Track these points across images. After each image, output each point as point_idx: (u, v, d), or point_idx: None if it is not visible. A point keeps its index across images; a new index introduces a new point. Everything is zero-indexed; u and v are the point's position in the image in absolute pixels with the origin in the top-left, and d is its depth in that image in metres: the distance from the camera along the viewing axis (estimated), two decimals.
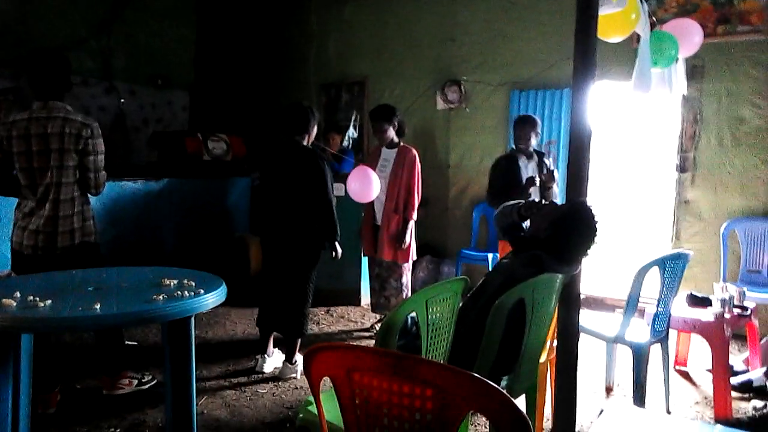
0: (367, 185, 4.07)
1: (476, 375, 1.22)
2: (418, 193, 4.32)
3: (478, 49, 5.88)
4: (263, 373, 3.69)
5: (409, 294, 4.43)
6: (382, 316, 4.55)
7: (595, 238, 2.34)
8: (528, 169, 4.38)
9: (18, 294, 2.07)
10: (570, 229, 2.32)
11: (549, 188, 4.23)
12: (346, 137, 6.53)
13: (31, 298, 2.04)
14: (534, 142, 4.37)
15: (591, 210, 2.32)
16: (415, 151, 4.34)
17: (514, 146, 4.52)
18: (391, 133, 4.29)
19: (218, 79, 7.26)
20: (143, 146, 6.37)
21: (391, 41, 6.40)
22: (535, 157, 4.40)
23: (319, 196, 3.56)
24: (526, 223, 2.63)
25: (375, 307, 4.53)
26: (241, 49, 7.32)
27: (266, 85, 7.34)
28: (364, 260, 4.96)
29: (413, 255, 4.41)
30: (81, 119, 3.01)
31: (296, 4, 7.02)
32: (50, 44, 5.48)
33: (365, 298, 5.21)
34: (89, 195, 3.15)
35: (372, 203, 4.38)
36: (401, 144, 4.36)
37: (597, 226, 2.34)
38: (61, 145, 2.94)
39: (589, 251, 2.34)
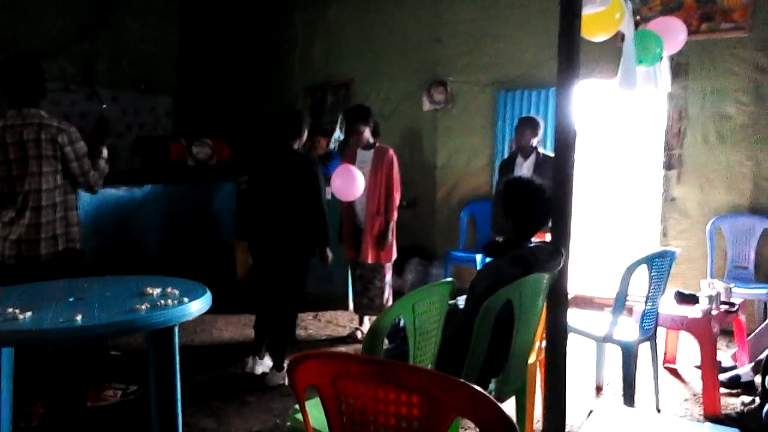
0: (351, 182, 4.05)
1: (462, 380, 1.21)
2: (397, 192, 4.32)
3: (463, 50, 5.88)
4: (254, 373, 3.66)
5: (391, 292, 4.44)
6: (359, 327, 4.53)
7: (541, 192, 2.45)
8: (523, 167, 4.64)
9: None
10: (518, 200, 2.45)
11: None
12: (332, 140, 6.49)
13: (11, 310, 1.99)
14: (533, 140, 4.67)
15: (521, 179, 2.55)
16: (392, 151, 4.32)
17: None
18: (368, 134, 4.26)
19: (202, 83, 7.21)
20: (126, 152, 6.30)
21: (377, 43, 6.38)
22: (534, 155, 4.65)
23: (311, 201, 3.54)
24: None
25: (358, 307, 4.50)
26: (225, 53, 7.27)
27: (251, 89, 7.30)
28: None
29: (394, 254, 4.41)
30: (56, 124, 2.96)
31: (280, 6, 6.99)
32: (31, 50, 5.41)
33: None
34: (77, 198, 3.12)
35: (352, 205, 4.36)
36: (377, 144, 4.34)
37: (535, 184, 2.49)
38: (38, 151, 2.90)
39: (546, 208, 2.43)
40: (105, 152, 3.27)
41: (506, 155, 5.58)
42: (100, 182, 3.17)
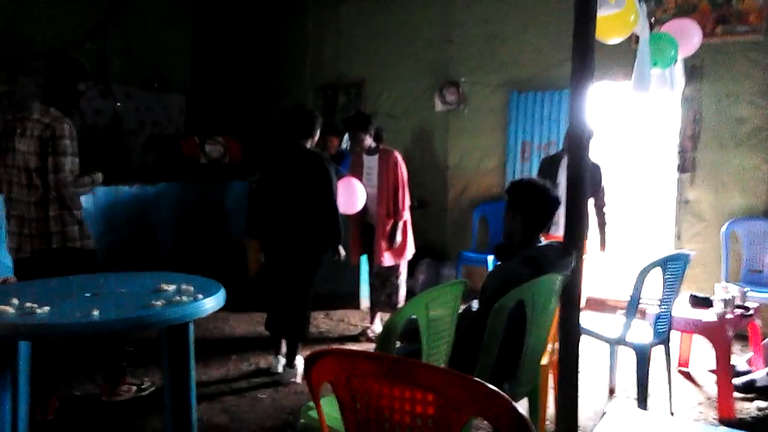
0: (351, 196, 4.12)
1: (477, 379, 1.21)
2: (405, 191, 4.34)
3: (476, 50, 5.87)
4: (278, 372, 3.69)
5: (404, 288, 4.49)
6: (370, 325, 4.55)
7: (546, 191, 2.53)
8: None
9: (16, 300, 2.05)
10: (525, 197, 2.51)
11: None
12: (344, 139, 6.51)
13: (29, 304, 2.02)
14: None
15: (528, 180, 2.63)
16: (396, 152, 4.36)
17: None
18: (369, 140, 4.29)
19: (215, 82, 7.25)
20: (139, 150, 6.35)
21: (389, 43, 6.39)
22: None
23: (324, 200, 3.56)
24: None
25: (375, 304, 4.54)
26: (238, 52, 7.31)
27: (263, 88, 7.33)
28: (363, 264, 4.95)
29: (412, 249, 4.47)
30: (48, 121, 2.93)
31: (293, 5, 7.01)
32: (45, 49, 5.47)
33: (364, 301, 5.20)
34: (65, 198, 2.99)
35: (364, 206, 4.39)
36: (381, 147, 4.37)
37: (540, 183, 2.57)
38: (27, 147, 2.93)
39: (551, 205, 2.52)
40: (100, 177, 3.17)
41: (519, 157, 5.57)
42: (73, 190, 2.98)
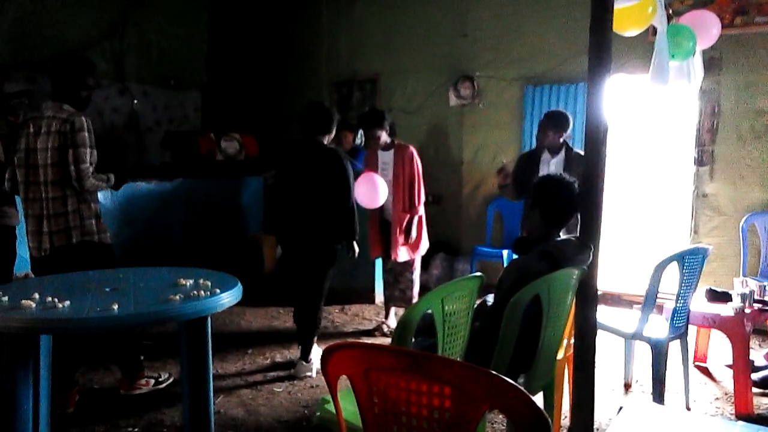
0: (373, 191, 4.11)
1: (494, 372, 1.21)
2: (420, 187, 4.34)
3: (490, 44, 5.84)
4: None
5: (418, 283, 4.50)
6: (385, 320, 4.56)
7: (571, 189, 2.51)
8: (550, 164, 4.32)
9: (37, 295, 2.09)
10: (549, 195, 2.52)
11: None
12: (359, 135, 6.52)
13: (50, 299, 2.06)
14: (559, 137, 4.25)
15: (555, 176, 2.64)
16: (412, 148, 4.35)
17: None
18: (384, 136, 4.29)
19: (230, 79, 7.30)
20: (156, 147, 6.41)
21: (403, 38, 6.38)
22: (563, 153, 4.26)
23: (341, 196, 3.57)
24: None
25: (390, 299, 4.54)
26: (253, 49, 7.35)
27: (278, 84, 7.36)
28: (378, 259, 4.96)
29: (426, 244, 4.46)
30: (65, 117, 2.97)
31: (307, 2, 7.02)
32: (63, 47, 5.53)
33: (379, 296, 5.21)
34: (84, 191, 3.04)
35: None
36: (396, 143, 4.37)
37: (564, 181, 2.55)
38: (46, 144, 2.97)
39: (571, 203, 2.49)
40: (112, 178, 3.20)
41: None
42: (93, 181, 3.03)
